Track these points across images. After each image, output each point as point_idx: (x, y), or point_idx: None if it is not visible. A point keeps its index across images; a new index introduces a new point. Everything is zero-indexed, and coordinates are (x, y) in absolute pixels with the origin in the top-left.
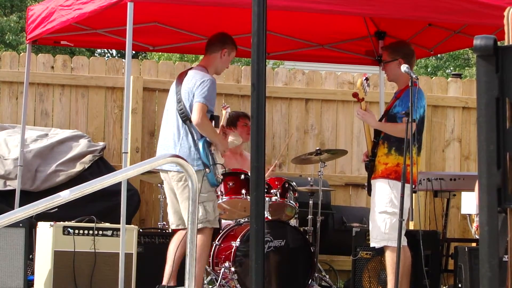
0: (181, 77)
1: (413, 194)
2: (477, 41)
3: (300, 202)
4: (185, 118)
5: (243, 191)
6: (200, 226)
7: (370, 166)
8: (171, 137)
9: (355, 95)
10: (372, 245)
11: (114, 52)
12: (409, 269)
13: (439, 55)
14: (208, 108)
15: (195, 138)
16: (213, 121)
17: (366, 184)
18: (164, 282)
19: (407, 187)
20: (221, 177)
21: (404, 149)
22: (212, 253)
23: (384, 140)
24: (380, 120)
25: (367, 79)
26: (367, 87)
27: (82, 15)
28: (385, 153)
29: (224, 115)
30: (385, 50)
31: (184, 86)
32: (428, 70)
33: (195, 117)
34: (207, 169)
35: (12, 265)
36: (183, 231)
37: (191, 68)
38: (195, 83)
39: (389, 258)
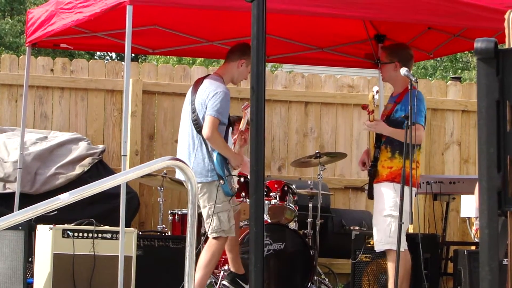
0: (196, 85)
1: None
2: (478, 44)
3: (299, 205)
4: (199, 129)
5: (243, 194)
6: (214, 235)
7: (373, 172)
8: (186, 147)
9: (365, 107)
10: (376, 248)
11: (113, 55)
12: (409, 272)
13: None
14: (220, 121)
15: (209, 149)
16: (230, 127)
17: (366, 188)
18: (233, 270)
19: (409, 190)
20: (237, 186)
21: (404, 152)
22: None
23: (387, 145)
24: None
25: (377, 91)
26: (377, 99)
27: (82, 18)
28: (388, 157)
29: (244, 117)
30: (384, 51)
31: (198, 97)
32: (427, 71)
33: (205, 130)
34: (221, 181)
35: (11, 268)
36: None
37: (207, 76)
38: (208, 94)
39: (391, 262)
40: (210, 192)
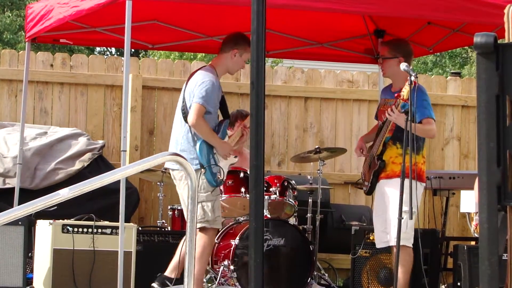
0: (190, 77)
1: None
2: (478, 39)
3: (299, 200)
4: (186, 117)
5: (243, 189)
6: (199, 225)
7: (384, 166)
8: (175, 136)
9: (398, 95)
10: (390, 244)
11: (113, 50)
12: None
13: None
14: (206, 109)
15: (195, 138)
16: (227, 120)
17: (367, 183)
18: (166, 273)
19: (409, 183)
20: (222, 177)
21: (404, 146)
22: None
23: (395, 141)
24: (384, 121)
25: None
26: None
27: (79, 12)
28: (399, 153)
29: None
30: (386, 46)
31: (188, 87)
32: (428, 65)
33: (190, 118)
34: (202, 169)
35: (11, 263)
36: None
37: (201, 68)
38: (196, 83)
39: (401, 258)
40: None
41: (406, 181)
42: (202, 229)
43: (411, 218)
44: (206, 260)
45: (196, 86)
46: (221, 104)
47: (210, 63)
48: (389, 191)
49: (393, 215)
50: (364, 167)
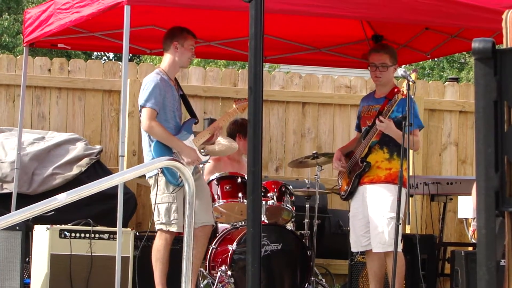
0: None
1: (409, 198)
2: (476, 44)
3: (296, 205)
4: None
5: (240, 195)
6: (157, 227)
7: (366, 169)
8: (143, 146)
9: (398, 90)
10: (376, 250)
11: (111, 55)
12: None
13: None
14: (158, 112)
15: (150, 140)
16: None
17: (346, 188)
18: None
19: (407, 191)
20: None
21: (401, 153)
22: (208, 256)
23: (383, 145)
24: (372, 125)
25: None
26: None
27: (80, 18)
28: (386, 158)
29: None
30: (387, 54)
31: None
32: (426, 71)
33: (142, 124)
34: (159, 170)
35: (8, 268)
36: None
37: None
38: (142, 88)
39: (391, 263)
40: (156, 184)
41: (393, 187)
42: (160, 231)
43: (404, 223)
44: (163, 264)
45: (142, 91)
46: (184, 104)
47: (158, 67)
48: (373, 197)
49: (378, 222)
50: (342, 174)
